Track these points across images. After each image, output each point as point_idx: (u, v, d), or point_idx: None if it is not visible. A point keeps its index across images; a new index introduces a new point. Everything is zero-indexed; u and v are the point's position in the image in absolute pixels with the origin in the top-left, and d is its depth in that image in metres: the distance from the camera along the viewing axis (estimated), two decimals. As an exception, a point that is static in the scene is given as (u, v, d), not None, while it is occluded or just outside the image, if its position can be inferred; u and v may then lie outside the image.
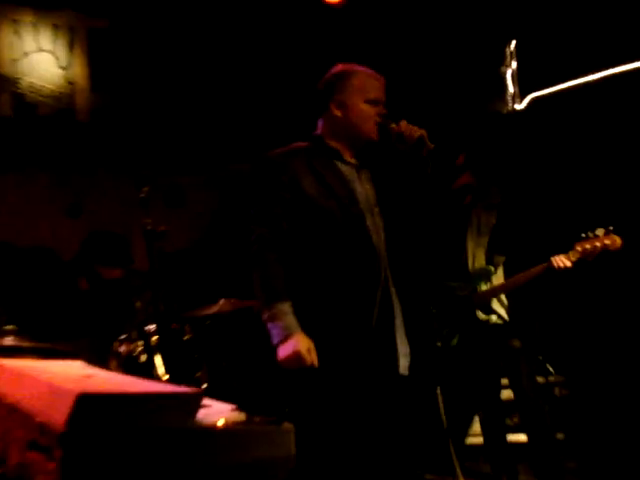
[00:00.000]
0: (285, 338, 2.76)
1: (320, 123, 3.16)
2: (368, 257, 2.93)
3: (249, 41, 6.47)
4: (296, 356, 2.72)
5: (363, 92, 3.05)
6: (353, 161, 3.09)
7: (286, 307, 2.80)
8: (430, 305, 4.63)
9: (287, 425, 2.00)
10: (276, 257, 2.87)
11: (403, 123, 3.02)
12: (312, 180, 2.95)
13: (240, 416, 2.04)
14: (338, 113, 3.05)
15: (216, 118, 6.58)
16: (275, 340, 2.79)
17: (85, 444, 1.67)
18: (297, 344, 2.73)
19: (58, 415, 1.69)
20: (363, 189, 3.06)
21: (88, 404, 1.68)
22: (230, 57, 6.55)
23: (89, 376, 2.17)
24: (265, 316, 2.83)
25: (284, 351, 2.75)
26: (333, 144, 3.07)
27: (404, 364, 3.00)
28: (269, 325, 2.82)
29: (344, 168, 3.05)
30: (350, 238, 2.92)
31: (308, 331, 2.78)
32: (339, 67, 3.15)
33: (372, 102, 3.04)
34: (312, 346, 2.76)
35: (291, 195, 2.91)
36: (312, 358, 2.74)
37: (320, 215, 2.92)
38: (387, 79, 3.11)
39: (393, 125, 3.02)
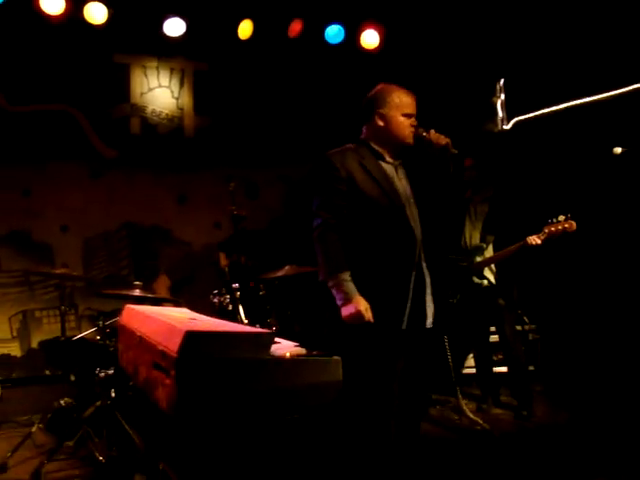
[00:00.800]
0: (347, 301, 2.71)
1: (365, 129, 3.09)
2: (407, 239, 2.88)
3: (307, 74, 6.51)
4: (358, 314, 2.68)
5: (400, 107, 2.98)
6: (393, 161, 3.02)
7: (346, 276, 2.74)
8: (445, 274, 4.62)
9: (336, 358, 1.99)
10: (337, 238, 2.80)
11: (432, 132, 2.96)
12: (363, 176, 2.90)
13: (301, 350, 2.03)
14: (381, 123, 2.98)
15: (283, 130, 6.58)
16: (339, 303, 2.74)
17: (191, 367, 1.70)
18: (357, 305, 2.69)
19: (173, 345, 1.71)
20: (401, 184, 2.99)
21: (194, 338, 1.70)
22: (293, 88, 6.57)
23: (193, 319, 2.18)
24: (330, 284, 2.77)
25: (347, 311, 2.71)
26: (376, 147, 3.01)
27: (430, 320, 2.95)
28: (333, 291, 2.77)
29: (386, 167, 2.99)
30: (394, 224, 2.87)
31: (363, 295, 2.73)
32: (381, 86, 3.09)
33: (407, 115, 2.98)
34: (368, 306, 2.71)
35: (347, 188, 2.87)
36: (369, 316, 2.70)
37: (370, 205, 2.86)
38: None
39: (425, 133, 2.95)
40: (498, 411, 4.91)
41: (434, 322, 2.97)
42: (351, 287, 2.73)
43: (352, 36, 6.30)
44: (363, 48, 6.35)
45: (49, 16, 5.36)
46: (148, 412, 2.72)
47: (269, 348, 1.85)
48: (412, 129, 2.98)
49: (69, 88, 5.85)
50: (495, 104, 4.70)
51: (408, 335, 2.86)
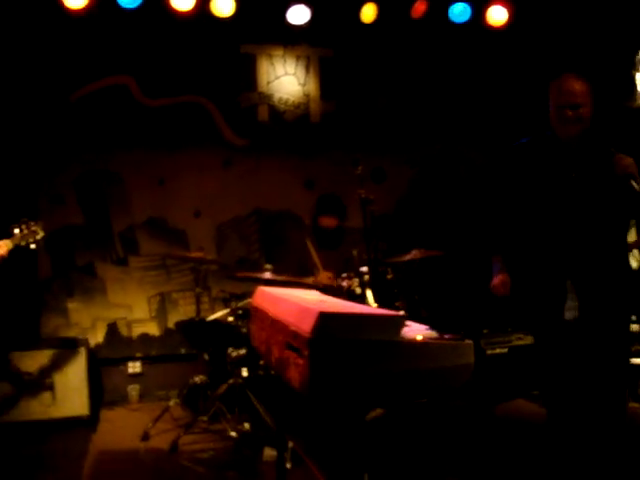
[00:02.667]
0: (494, 275, 3.22)
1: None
2: (565, 237, 2.89)
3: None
4: (495, 286, 3.22)
5: (554, 99, 2.90)
6: (569, 158, 2.93)
7: (499, 258, 3.25)
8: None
9: (468, 341, 1.95)
10: (498, 226, 3.22)
11: (626, 160, 2.89)
12: (537, 171, 2.87)
13: (432, 333, 2.01)
14: (550, 116, 2.94)
15: (409, 112, 6.50)
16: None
17: (324, 347, 1.71)
18: (497, 279, 3.21)
19: (305, 326, 1.73)
20: (574, 184, 2.92)
21: (326, 319, 1.71)
22: (418, 70, 6.49)
23: (324, 301, 2.21)
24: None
25: (492, 282, 3.24)
26: (553, 142, 2.96)
27: (569, 315, 2.97)
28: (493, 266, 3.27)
29: (560, 164, 2.91)
30: (558, 219, 2.88)
31: (514, 280, 3.11)
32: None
33: (560, 107, 2.88)
34: (508, 281, 3.17)
35: (521, 182, 2.89)
36: (505, 290, 3.18)
37: (540, 199, 2.88)
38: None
39: (620, 155, 2.88)
40: (635, 405, 4.65)
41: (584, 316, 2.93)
42: (501, 266, 3.23)
43: (478, 14, 6.10)
44: (490, 26, 6.13)
45: (179, 13, 5.57)
46: (279, 390, 2.79)
47: (400, 331, 1.85)
48: (568, 121, 2.86)
49: (199, 80, 6.04)
50: (634, 78, 4.44)
51: (544, 323, 2.87)
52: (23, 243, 3.68)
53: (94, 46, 5.77)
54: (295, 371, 1.82)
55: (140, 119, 5.94)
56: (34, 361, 4.97)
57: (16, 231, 3.67)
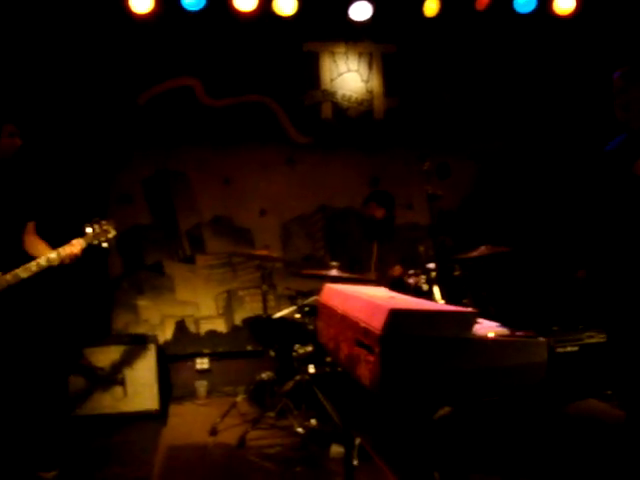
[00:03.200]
0: None
1: None
2: None
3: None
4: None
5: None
6: None
7: None
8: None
9: (542, 339, 1.91)
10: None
11: None
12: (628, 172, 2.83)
13: (504, 331, 1.97)
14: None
15: (473, 107, 6.43)
16: None
17: (395, 344, 1.70)
18: None
19: (376, 323, 1.72)
20: None
21: (397, 316, 1.70)
22: (483, 63, 6.40)
23: (393, 297, 2.19)
24: None
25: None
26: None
27: None
28: None
29: None
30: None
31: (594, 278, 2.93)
32: None
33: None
34: None
35: (618, 181, 2.83)
36: None
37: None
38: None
39: None
40: None
41: None
42: None
43: (544, 3, 5.94)
44: (557, 14, 5.97)
45: (242, 13, 5.63)
46: (346, 387, 2.79)
47: (472, 328, 1.82)
48: (619, 111, 2.80)
49: (263, 79, 6.10)
50: None
51: None
52: (96, 242, 3.75)
53: (160, 49, 5.91)
54: (365, 368, 1.82)
55: (205, 119, 6.04)
56: (106, 356, 5.11)
57: (89, 230, 3.74)
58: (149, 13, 5.49)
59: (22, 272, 3.51)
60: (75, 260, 3.64)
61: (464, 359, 1.78)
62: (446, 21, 6.03)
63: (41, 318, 3.81)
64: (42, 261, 3.55)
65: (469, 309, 1.86)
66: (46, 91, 5.41)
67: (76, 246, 3.64)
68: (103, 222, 3.79)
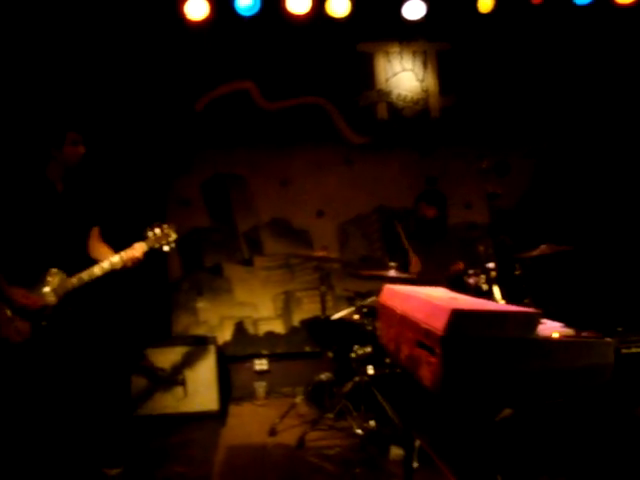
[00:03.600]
0: None
1: None
2: None
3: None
4: None
5: None
6: None
7: None
8: None
9: (608, 339, 1.86)
10: None
11: None
12: None
13: (569, 331, 1.93)
14: None
15: (531, 104, 6.29)
16: None
17: (457, 345, 1.68)
18: None
19: (438, 324, 1.71)
20: None
21: (459, 316, 1.68)
22: (540, 58, 6.26)
23: (454, 298, 2.16)
24: None
25: None
26: None
27: None
28: None
29: None
30: None
31: None
32: None
33: None
34: None
35: None
36: None
37: None
38: None
39: None
40: None
41: None
42: None
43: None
44: (618, 4, 5.78)
45: (296, 16, 5.66)
46: (406, 388, 2.77)
47: (536, 328, 1.79)
48: None
49: (318, 81, 6.11)
50: None
51: None
52: (157, 245, 3.81)
53: (215, 54, 5.99)
54: (427, 369, 1.81)
55: (262, 122, 6.09)
56: (167, 358, 5.20)
57: (150, 234, 3.80)
58: (204, 19, 5.58)
59: (86, 275, 3.61)
60: (138, 264, 3.72)
61: (528, 360, 1.75)
62: (501, 16, 5.93)
63: (104, 319, 3.91)
64: (105, 265, 3.64)
65: (533, 309, 1.83)
66: (107, 99, 5.54)
67: (138, 250, 3.71)
68: (164, 226, 3.85)
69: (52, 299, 3.57)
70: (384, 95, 6.26)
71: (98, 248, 3.86)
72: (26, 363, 3.52)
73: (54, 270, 3.61)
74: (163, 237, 3.83)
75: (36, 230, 3.61)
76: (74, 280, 3.60)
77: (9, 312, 3.49)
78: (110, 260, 3.65)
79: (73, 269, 3.63)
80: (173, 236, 3.87)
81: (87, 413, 3.73)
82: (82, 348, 3.69)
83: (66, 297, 3.61)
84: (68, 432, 3.67)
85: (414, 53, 6.32)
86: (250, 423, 5.04)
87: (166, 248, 3.85)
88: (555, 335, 1.83)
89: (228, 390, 5.70)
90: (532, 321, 1.77)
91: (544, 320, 2.03)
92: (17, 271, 3.57)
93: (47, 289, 3.57)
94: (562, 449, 2.19)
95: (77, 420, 3.70)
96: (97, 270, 3.63)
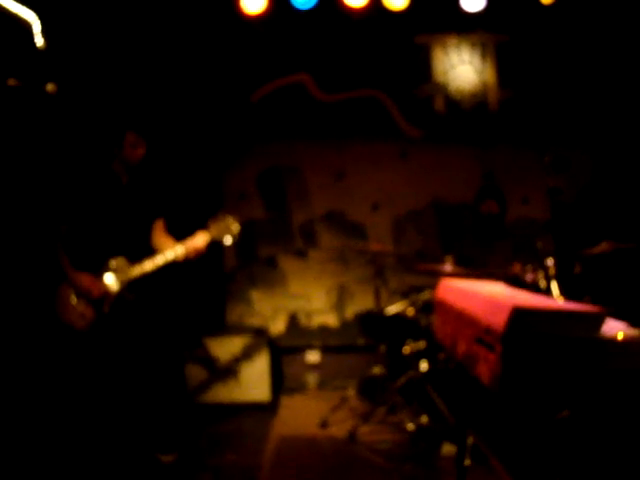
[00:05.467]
0: None
1: None
2: None
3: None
4: None
5: None
6: None
7: None
8: None
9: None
10: None
11: None
12: None
13: (634, 331, 1.86)
14: None
15: (591, 98, 6.11)
16: None
17: (518, 343, 1.64)
18: None
19: (498, 321, 1.67)
20: None
21: (521, 314, 1.64)
22: (602, 49, 6.05)
23: (515, 294, 2.12)
24: None
25: None
26: None
27: None
28: None
29: None
30: None
31: None
32: None
33: None
34: None
35: None
36: None
37: None
38: None
39: None
40: None
41: None
42: None
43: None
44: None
45: (353, 9, 5.63)
46: (460, 385, 2.73)
47: (601, 328, 1.73)
48: None
49: (375, 74, 6.09)
50: None
51: None
52: (219, 237, 3.83)
53: (271, 47, 6.02)
54: (485, 367, 1.77)
55: (318, 115, 6.10)
56: (221, 347, 5.25)
57: (213, 225, 3.82)
58: (261, 13, 5.60)
59: (148, 265, 3.70)
60: (200, 256, 3.75)
61: (591, 360, 1.70)
62: (563, 7, 5.77)
63: (162, 308, 3.97)
64: (168, 255, 3.71)
65: (599, 308, 1.77)
66: (164, 94, 5.61)
67: (201, 242, 3.74)
68: (227, 216, 3.86)
69: (115, 287, 3.66)
70: (441, 88, 6.18)
71: (161, 239, 3.92)
72: (88, 348, 3.62)
73: (118, 258, 3.69)
74: (226, 229, 3.83)
75: (102, 219, 3.71)
76: (137, 269, 3.69)
77: (74, 298, 3.61)
78: (173, 250, 3.71)
79: (136, 258, 3.72)
80: (236, 228, 3.87)
81: (144, 399, 3.80)
82: (141, 336, 3.77)
83: (128, 286, 3.70)
84: (125, 417, 3.75)
85: (472, 45, 6.22)
86: (301, 415, 5.05)
87: (228, 241, 3.85)
88: (620, 335, 1.77)
89: (280, 381, 5.73)
90: (597, 321, 1.71)
91: (607, 319, 1.96)
92: (83, 257, 3.68)
93: (111, 277, 3.68)
94: (621, 454, 2.11)
95: (134, 406, 3.78)
96: (159, 260, 3.70)
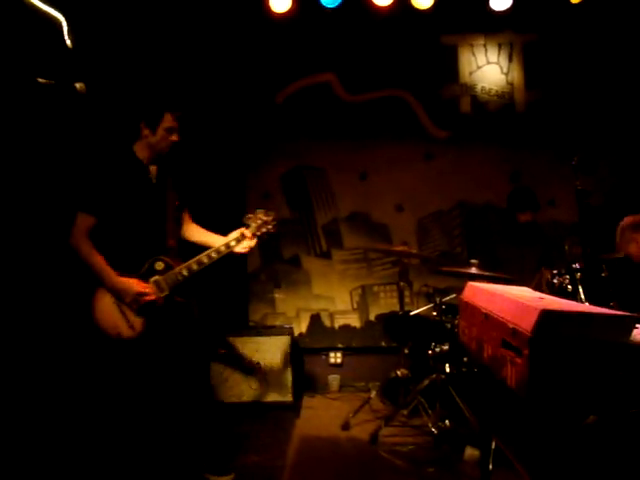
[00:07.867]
0: None
1: None
2: None
3: None
4: None
5: None
6: None
7: None
8: None
9: None
10: None
11: None
12: None
13: (665, 337, 1.84)
14: None
15: (619, 97, 6.02)
16: None
17: (546, 347, 1.63)
18: None
19: (526, 324, 1.66)
20: None
21: (549, 317, 1.63)
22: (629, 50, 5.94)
23: (542, 298, 2.10)
24: None
25: None
26: None
27: None
28: None
29: None
30: None
31: None
32: None
33: None
34: None
35: None
36: None
37: None
38: None
39: None
40: None
41: None
42: None
43: None
44: None
45: (379, 8, 5.61)
46: (484, 388, 2.71)
47: (631, 333, 1.71)
48: None
49: (400, 74, 6.06)
50: None
51: None
52: (259, 233, 3.62)
53: (297, 47, 6.04)
54: (512, 370, 1.76)
55: (342, 115, 6.09)
56: (244, 347, 5.27)
57: (251, 222, 3.61)
58: (287, 12, 5.61)
59: (195, 265, 3.47)
60: (249, 251, 3.61)
61: (620, 366, 1.68)
62: (593, 6, 5.70)
63: (197, 309, 3.71)
64: (213, 254, 3.49)
65: (628, 313, 1.75)
66: (191, 93, 5.63)
67: (250, 239, 3.56)
68: (266, 212, 3.65)
69: (164, 289, 3.44)
70: (468, 88, 6.14)
71: (192, 230, 3.79)
72: (139, 358, 3.38)
73: (161, 258, 3.46)
74: (263, 224, 3.61)
75: (136, 216, 3.44)
76: (184, 270, 3.46)
77: (117, 306, 3.35)
78: (217, 248, 3.51)
79: (174, 256, 3.51)
80: (273, 221, 3.65)
81: (178, 405, 3.54)
82: (183, 339, 3.50)
83: (176, 287, 3.46)
84: (167, 427, 3.54)
85: (499, 45, 6.18)
86: (323, 416, 5.06)
87: (270, 229, 3.64)
88: (651, 341, 1.74)
89: (302, 382, 5.73)
90: (627, 325, 1.70)
91: (637, 325, 1.93)
92: (122, 260, 3.39)
93: (158, 279, 3.44)
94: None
95: (173, 415, 3.53)
96: (205, 259, 3.47)
